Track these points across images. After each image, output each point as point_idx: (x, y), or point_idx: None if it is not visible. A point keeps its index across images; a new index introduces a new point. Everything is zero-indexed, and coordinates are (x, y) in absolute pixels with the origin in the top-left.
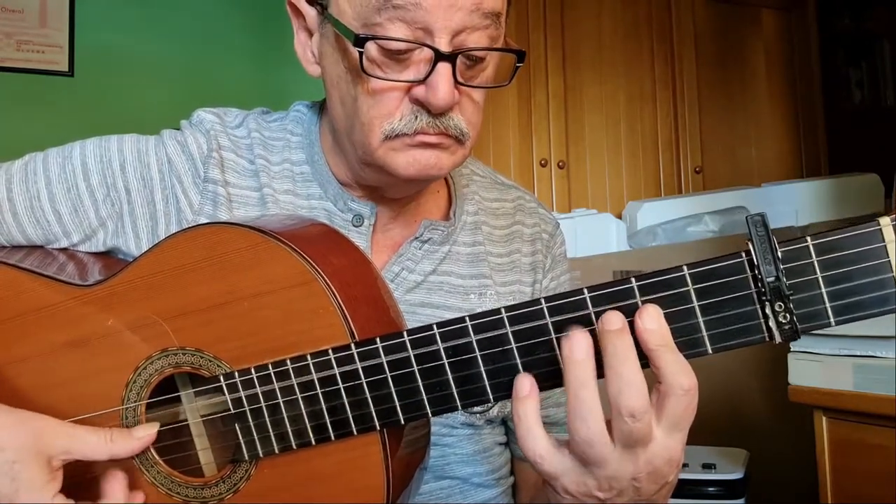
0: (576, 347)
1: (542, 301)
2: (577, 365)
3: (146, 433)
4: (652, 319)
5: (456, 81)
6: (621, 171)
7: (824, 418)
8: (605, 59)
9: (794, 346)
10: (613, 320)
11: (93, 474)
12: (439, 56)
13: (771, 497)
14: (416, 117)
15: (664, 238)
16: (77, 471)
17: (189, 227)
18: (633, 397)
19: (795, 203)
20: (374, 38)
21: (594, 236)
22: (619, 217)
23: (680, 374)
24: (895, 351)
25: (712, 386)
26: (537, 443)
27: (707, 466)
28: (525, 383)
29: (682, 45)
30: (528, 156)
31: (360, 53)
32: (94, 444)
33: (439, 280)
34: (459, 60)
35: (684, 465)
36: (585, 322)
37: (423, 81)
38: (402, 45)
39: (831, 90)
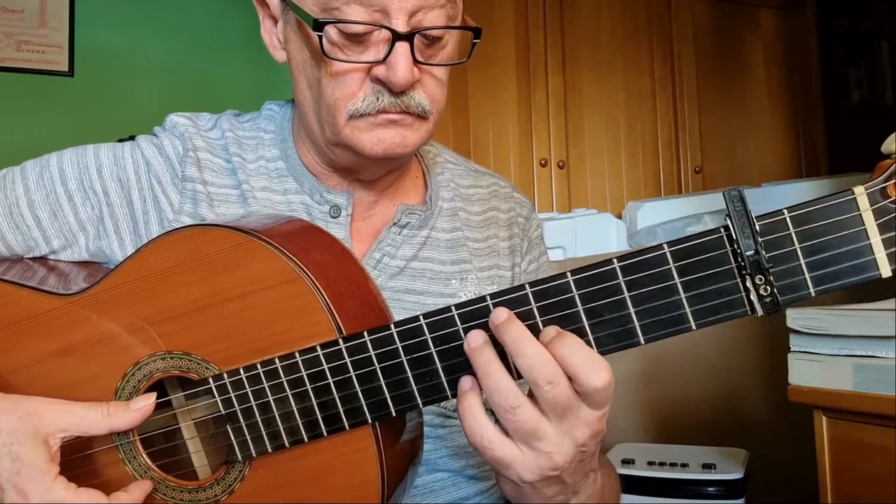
0: (472, 338)
1: (527, 286)
2: (477, 352)
3: (144, 403)
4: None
5: (415, 60)
6: (621, 171)
7: (824, 418)
8: (605, 59)
9: (793, 346)
10: (500, 314)
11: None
12: (397, 36)
13: (771, 497)
14: (378, 98)
15: (664, 238)
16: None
17: (170, 231)
18: (541, 365)
19: (795, 203)
20: (332, 21)
21: (594, 236)
22: (619, 217)
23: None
24: (895, 351)
25: (712, 386)
26: (485, 429)
27: (707, 466)
28: (467, 379)
29: (682, 44)
30: (527, 156)
31: (320, 37)
32: (91, 418)
33: (421, 267)
34: (417, 39)
35: (684, 465)
36: (571, 305)
37: (382, 62)
38: (360, 28)
39: (830, 90)
